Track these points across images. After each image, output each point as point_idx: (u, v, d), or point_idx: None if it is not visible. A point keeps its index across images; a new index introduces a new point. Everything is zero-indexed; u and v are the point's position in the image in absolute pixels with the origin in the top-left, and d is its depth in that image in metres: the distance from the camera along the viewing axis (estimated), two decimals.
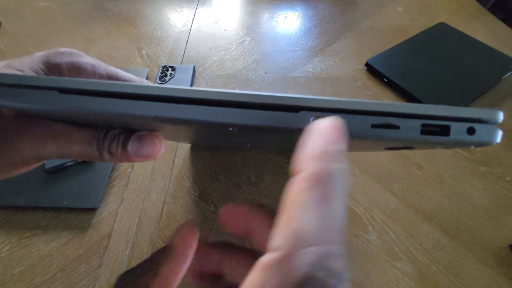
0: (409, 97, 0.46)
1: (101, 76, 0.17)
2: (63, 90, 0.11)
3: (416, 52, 0.52)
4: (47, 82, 0.11)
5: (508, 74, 0.47)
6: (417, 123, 0.10)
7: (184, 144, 0.41)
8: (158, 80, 0.48)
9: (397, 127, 0.10)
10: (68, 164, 0.36)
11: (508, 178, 0.38)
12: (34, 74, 0.15)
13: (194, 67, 0.51)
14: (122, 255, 0.31)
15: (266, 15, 0.64)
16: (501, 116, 0.10)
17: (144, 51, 0.54)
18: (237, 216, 0.15)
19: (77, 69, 0.16)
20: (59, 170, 0.36)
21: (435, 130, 0.10)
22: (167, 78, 0.48)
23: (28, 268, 0.30)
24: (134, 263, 0.31)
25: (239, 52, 0.55)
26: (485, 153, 0.40)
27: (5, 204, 0.33)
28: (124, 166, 0.38)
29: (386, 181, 0.37)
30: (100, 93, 0.11)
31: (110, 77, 0.17)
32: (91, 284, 0.29)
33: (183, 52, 0.55)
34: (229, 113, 0.11)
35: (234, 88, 0.48)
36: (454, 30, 0.56)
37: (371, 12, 0.64)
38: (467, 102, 0.44)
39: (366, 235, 0.33)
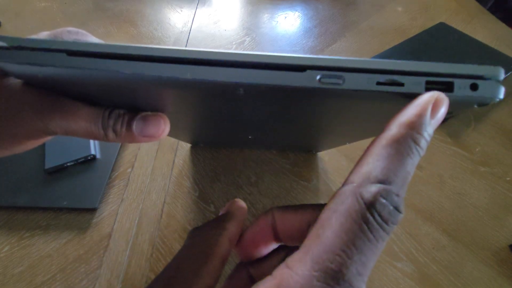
0: None
1: None
2: (71, 52, 0.11)
3: (416, 52, 0.52)
4: (55, 44, 0.11)
5: (508, 74, 0.47)
6: (421, 80, 0.10)
7: (184, 144, 0.41)
8: None
9: (401, 84, 0.10)
10: (68, 164, 0.36)
11: (508, 178, 0.38)
12: None
13: None
14: (122, 255, 0.31)
15: (266, 15, 0.64)
16: (502, 73, 0.11)
17: None
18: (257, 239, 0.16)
19: None
20: (59, 170, 0.36)
21: (439, 87, 0.10)
22: None
23: (28, 268, 0.30)
24: (134, 263, 0.31)
25: None
26: (485, 153, 0.40)
27: (5, 204, 0.33)
28: (124, 166, 0.38)
29: None
30: (107, 55, 0.11)
31: None
32: (91, 284, 0.29)
33: None
34: (238, 73, 0.11)
35: None
36: (454, 30, 0.56)
37: (371, 12, 0.64)
38: None
39: None
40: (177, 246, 0.32)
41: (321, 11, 0.65)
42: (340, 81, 0.10)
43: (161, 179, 0.37)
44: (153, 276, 0.30)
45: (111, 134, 0.15)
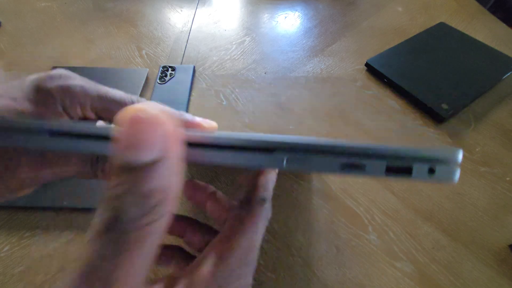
0: (409, 97, 0.46)
1: (92, 98, 0.17)
2: (52, 133, 0.12)
3: (416, 52, 0.52)
4: (37, 126, 0.11)
5: (508, 74, 0.47)
6: (382, 163, 0.11)
7: None
8: (158, 80, 0.48)
9: (363, 167, 0.11)
10: None
11: (508, 178, 0.38)
12: (27, 105, 0.15)
13: (194, 67, 0.51)
14: None
15: (266, 15, 0.64)
16: (460, 157, 0.11)
17: (144, 51, 0.54)
18: (197, 191, 0.19)
19: (67, 93, 0.16)
20: None
21: (399, 170, 0.11)
22: (167, 78, 0.48)
23: (28, 268, 0.30)
24: None
25: (239, 52, 0.55)
26: (485, 153, 0.40)
27: (5, 204, 0.33)
28: None
29: (386, 181, 0.37)
30: (85, 136, 0.12)
31: (100, 97, 0.17)
32: None
33: (183, 52, 0.55)
34: (209, 154, 0.11)
35: (234, 89, 0.48)
36: (454, 30, 0.56)
37: (371, 12, 0.64)
38: (467, 102, 0.44)
39: (366, 235, 0.33)
40: None
41: (321, 11, 0.65)
42: (305, 165, 0.11)
43: None
44: (152, 276, 0.30)
45: (100, 174, 0.17)
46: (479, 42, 0.53)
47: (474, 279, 0.30)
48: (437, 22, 0.58)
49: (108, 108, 0.17)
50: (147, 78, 0.49)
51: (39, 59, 0.52)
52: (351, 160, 0.11)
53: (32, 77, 0.16)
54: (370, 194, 0.36)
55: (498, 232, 0.33)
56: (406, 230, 0.33)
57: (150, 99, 0.45)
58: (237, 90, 0.48)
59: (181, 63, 0.53)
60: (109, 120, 0.18)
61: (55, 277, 0.29)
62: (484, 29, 0.59)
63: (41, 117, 0.16)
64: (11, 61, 0.52)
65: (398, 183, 0.37)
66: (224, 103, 0.46)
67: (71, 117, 0.17)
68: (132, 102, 0.18)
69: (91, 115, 0.17)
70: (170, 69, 0.50)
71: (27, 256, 0.31)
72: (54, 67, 0.49)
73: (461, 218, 0.34)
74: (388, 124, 0.44)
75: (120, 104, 0.17)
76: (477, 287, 0.30)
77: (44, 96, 0.16)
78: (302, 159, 0.11)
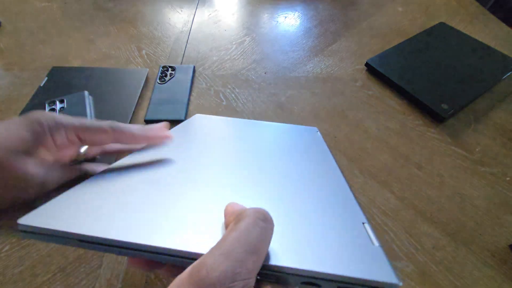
0: (409, 97, 0.46)
1: (73, 123, 0.20)
2: (81, 241, 0.15)
3: (416, 52, 0.52)
4: (69, 235, 0.15)
5: (508, 74, 0.47)
6: (335, 284, 0.14)
7: None
8: (158, 80, 0.48)
9: (319, 286, 0.14)
10: None
11: (508, 178, 0.38)
12: (30, 140, 0.19)
13: (194, 67, 0.51)
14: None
15: (266, 15, 0.64)
16: (399, 285, 0.13)
17: (144, 51, 0.54)
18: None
19: (53, 121, 0.20)
20: None
21: None
22: (167, 78, 0.48)
23: (28, 268, 0.30)
24: None
25: (239, 52, 0.55)
26: (485, 153, 0.40)
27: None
28: None
29: (386, 181, 0.37)
30: (108, 244, 0.15)
31: (81, 123, 0.20)
32: (91, 284, 0.29)
33: (183, 52, 0.55)
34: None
35: (234, 89, 0.48)
36: (454, 30, 0.56)
37: (371, 12, 0.64)
38: (467, 102, 0.44)
39: None
40: None
41: (321, 11, 0.65)
42: (274, 279, 0.14)
43: None
44: (153, 276, 0.30)
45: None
46: (479, 42, 0.53)
47: (474, 279, 0.30)
48: (437, 22, 0.58)
49: (86, 132, 0.20)
50: (147, 78, 0.49)
51: (39, 59, 0.52)
52: (310, 280, 0.14)
53: (21, 119, 0.19)
54: (370, 194, 0.36)
55: (498, 232, 0.33)
56: (406, 230, 0.33)
57: (150, 99, 0.45)
58: (237, 90, 0.48)
59: (181, 63, 0.53)
60: (91, 143, 0.22)
61: (55, 277, 0.29)
62: (484, 29, 0.59)
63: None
64: (11, 61, 0.52)
65: (398, 183, 0.37)
66: (224, 103, 0.46)
67: (59, 146, 0.20)
68: (111, 127, 0.21)
69: (75, 138, 0.20)
70: (170, 69, 0.50)
71: (27, 256, 0.31)
72: (54, 67, 0.49)
73: (461, 218, 0.34)
74: (388, 124, 0.44)
75: (98, 130, 0.20)
76: (477, 287, 0.30)
77: (38, 126, 0.19)
78: (273, 276, 0.14)
